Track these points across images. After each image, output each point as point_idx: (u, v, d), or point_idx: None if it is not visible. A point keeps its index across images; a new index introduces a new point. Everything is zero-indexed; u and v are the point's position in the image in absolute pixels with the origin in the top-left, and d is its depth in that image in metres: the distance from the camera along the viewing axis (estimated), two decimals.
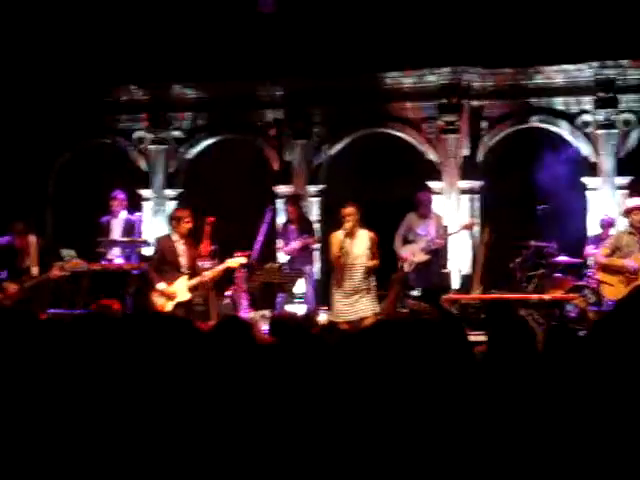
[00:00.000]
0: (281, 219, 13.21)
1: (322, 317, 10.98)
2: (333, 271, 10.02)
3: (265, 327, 8.95)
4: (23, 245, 10.48)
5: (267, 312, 11.13)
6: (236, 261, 10.63)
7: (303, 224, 12.43)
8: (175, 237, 10.23)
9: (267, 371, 3.60)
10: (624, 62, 13.11)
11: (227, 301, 12.02)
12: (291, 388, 3.41)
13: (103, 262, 12.42)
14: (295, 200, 12.79)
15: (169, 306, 9.97)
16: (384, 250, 11.08)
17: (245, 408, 3.23)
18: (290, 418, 3.14)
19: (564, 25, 12.77)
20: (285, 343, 4.28)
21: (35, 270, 10.36)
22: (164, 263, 10.23)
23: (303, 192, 13.98)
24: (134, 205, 13.96)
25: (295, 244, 12.13)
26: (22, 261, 10.45)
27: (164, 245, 10.30)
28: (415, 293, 12.15)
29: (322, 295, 12.30)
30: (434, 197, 13.14)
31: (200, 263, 10.49)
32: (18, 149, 14.20)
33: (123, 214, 12.89)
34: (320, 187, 14.26)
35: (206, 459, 2.91)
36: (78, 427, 3.01)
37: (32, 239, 10.54)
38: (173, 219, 10.46)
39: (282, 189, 14.06)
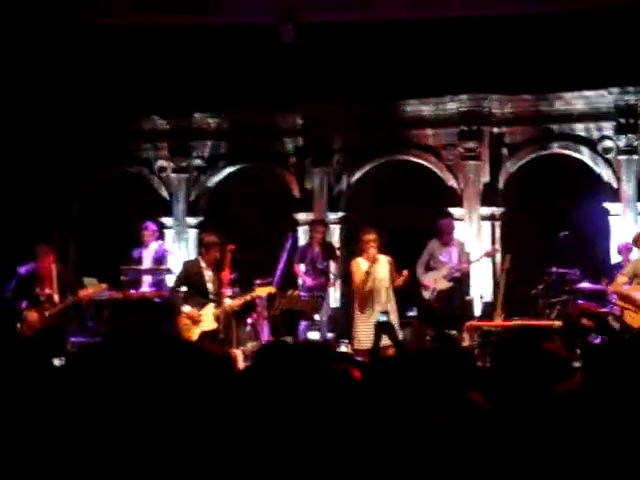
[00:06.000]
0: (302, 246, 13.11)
1: (343, 347, 10.96)
2: (355, 298, 9.99)
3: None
4: (46, 272, 10.51)
5: (289, 339, 11.10)
6: (264, 290, 10.61)
7: (328, 248, 12.42)
8: (203, 264, 10.22)
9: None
10: None
11: (248, 328, 12.00)
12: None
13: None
14: (322, 223, 12.81)
15: (195, 334, 9.92)
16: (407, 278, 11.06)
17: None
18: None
19: (584, 51, 12.74)
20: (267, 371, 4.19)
21: (57, 298, 10.40)
22: (191, 288, 10.21)
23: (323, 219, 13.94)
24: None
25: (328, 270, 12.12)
26: (44, 289, 10.49)
27: (192, 270, 10.24)
28: (412, 313, 12.13)
29: (343, 323, 12.26)
30: (455, 224, 13.11)
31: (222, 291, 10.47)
32: (42, 177, 14.26)
33: (154, 245, 12.80)
34: (340, 214, 14.24)
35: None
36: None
37: (54, 267, 10.59)
38: (203, 246, 10.41)
39: (302, 216, 14.06)
